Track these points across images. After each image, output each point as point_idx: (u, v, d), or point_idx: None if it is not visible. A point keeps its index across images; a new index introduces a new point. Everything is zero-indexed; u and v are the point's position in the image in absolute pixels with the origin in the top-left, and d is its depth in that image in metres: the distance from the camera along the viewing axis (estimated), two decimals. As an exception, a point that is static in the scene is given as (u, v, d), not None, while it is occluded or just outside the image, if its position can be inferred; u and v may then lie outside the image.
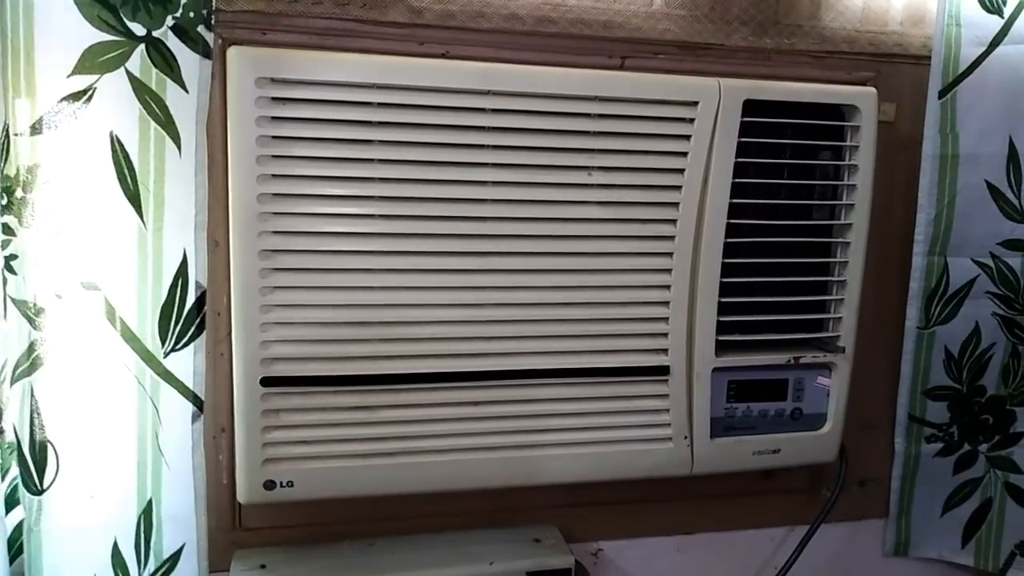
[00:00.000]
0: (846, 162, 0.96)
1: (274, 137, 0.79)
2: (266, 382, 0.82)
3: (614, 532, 1.07)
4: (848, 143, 0.96)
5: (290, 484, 0.85)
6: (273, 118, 0.78)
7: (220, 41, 0.82)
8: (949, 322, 1.08)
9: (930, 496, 1.15)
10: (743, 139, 0.90)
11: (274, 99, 0.78)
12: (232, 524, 0.93)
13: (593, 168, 0.87)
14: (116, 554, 0.85)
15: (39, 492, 0.81)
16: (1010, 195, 1.05)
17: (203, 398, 0.86)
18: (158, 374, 0.83)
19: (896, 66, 1.03)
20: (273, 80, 0.78)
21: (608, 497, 1.03)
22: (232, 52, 0.78)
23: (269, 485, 0.84)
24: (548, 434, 0.90)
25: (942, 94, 1.02)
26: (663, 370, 0.92)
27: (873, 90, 0.95)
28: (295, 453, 0.84)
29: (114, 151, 0.77)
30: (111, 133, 0.77)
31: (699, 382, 0.94)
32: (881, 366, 1.11)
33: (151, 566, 0.87)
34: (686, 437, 0.95)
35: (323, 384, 0.83)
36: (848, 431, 1.02)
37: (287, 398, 0.83)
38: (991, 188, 1.04)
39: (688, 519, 1.10)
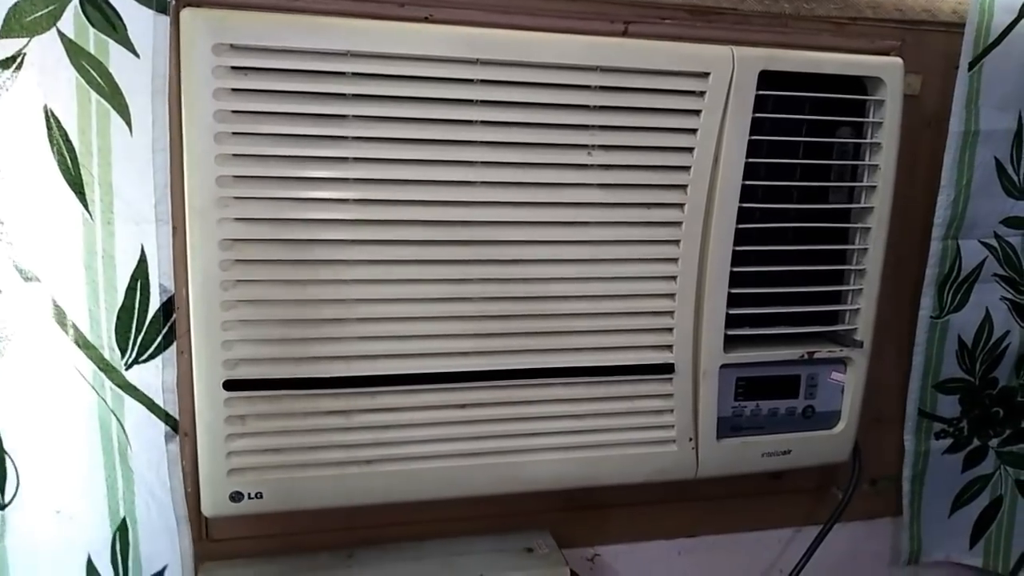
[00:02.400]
0: (868, 140, 0.88)
1: (234, 112, 0.70)
2: (229, 385, 0.74)
3: (611, 536, 1.00)
4: (871, 119, 0.87)
5: (259, 495, 0.77)
6: (233, 90, 0.69)
7: (174, 2, 0.72)
8: (961, 309, 1.02)
9: (939, 496, 1.08)
10: (758, 114, 0.82)
11: (234, 68, 0.69)
12: (198, 535, 0.85)
13: (593, 147, 0.78)
14: (91, 570, 0.78)
15: (1, 507, 0.74)
16: (1011, 171, 0.98)
17: (177, 417, 0.78)
18: (119, 387, 0.75)
19: (923, 34, 0.94)
20: (233, 47, 0.69)
21: (605, 500, 0.96)
22: (186, 14, 0.68)
23: (236, 497, 0.77)
24: (541, 438, 0.83)
25: (971, 65, 0.93)
26: (667, 368, 0.85)
27: (899, 60, 0.87)
28: (263, 462, 0.77)
29: (50, 128, 0.68)
30: (45, 107, 0.67)
31: (706, 380, 0.86)
32: (896, 358, 1.03)
33: None
34: (691, 439, 0.87)
35: (293, 387, 0.75)
36: (860, 427, 0.95)
37: (253, 403, 0.75)
38: (998, 165, 0.97)
39: (690, 521, 1.03)
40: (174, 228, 0.76)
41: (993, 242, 1.00)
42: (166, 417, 0.77)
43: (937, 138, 0.96)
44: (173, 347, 0.76)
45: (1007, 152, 0.97)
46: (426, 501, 0.82)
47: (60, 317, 0.72)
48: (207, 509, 0.77)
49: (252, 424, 0.76)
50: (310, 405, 0.76)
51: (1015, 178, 0.98)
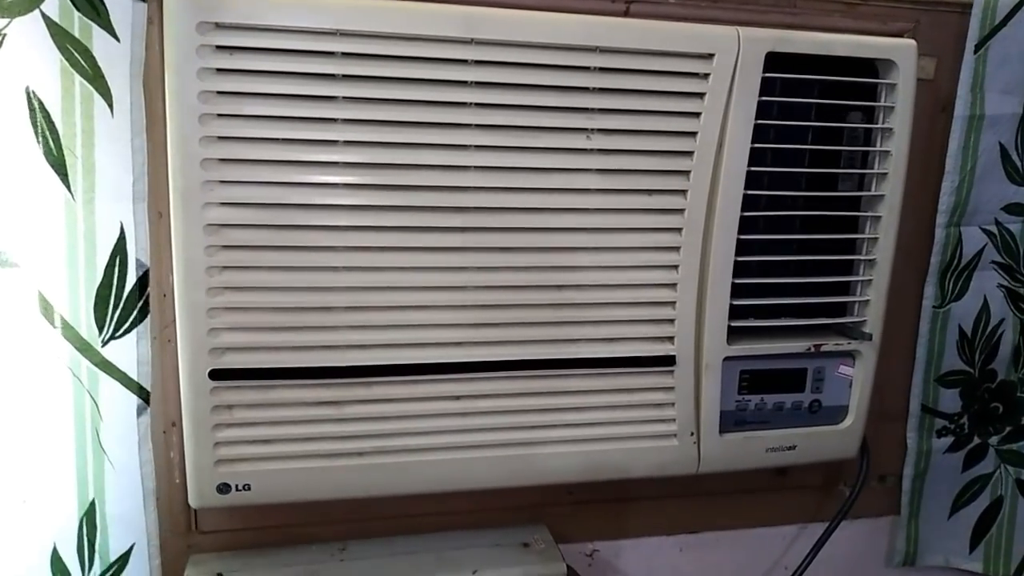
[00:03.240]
0: (879, 125, 0.84)
1: (220, 93, 0.67)
2: (216, 375, 0.72)
3: (611, 531, 0.98)
4: (882, 103, 0.84)
5: (247, 487, 0.75)
6: (218, 70, 0.67)
7: (159, -21, 0.70)
8: (961, 298, 0.99)
9: (939, 497, 1.06)
10: (764, 98, 0.79)
11: (219, 48, 0.67)
12: (187, 527, 0.84)
13: (592, 131, 0.75)
14: (56, 560, 0.77)
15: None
16: (1015, 157, 0.95)
17: (149, 389, 0.77)
18: (96, 365, 0.74)
19: (938, 15, 0.91)
20: (218, 25, 0.66)
21: (605, 494, 0.94)
22: (169, -9, 0.66)
23: (223, 488, 0.75)
24: (538, 431, 0.81)
25: (977, 48, 0.90)
26: (668, 360, 0.82)
27: (912, 43, 0.83)
28: (252, 453, 0.75)
29: (32, 110, 0.67)
30: (27, 88, 0.66)
31: (708, 373, 0.84)
32: (903, 351, 1.00)
33: (96, 570, 0.79)
34: (692, 433, 0.85)
35: (282, 376, 0.73)
36: (868, 422, 0.93)
37: (241, 392, 0.73)
38: (1002, 151, 0.94)
39: (692, 517, 1.01)
40: (160, 213, 0.74)
41: (993, 229, 0.97)
42: (139, 390, 0.76)
43: (951, 123, 0.92)
44: (147, 320, 0.75)
45: (1012, 137, 0.94)
46: (420, 494, 0.80)
47: (42, 300, 0.71)
48: (194, 500, 0.75)
49: (240, 414, 0.74)
50: (300, 395, 0.74)
51: (1018, 164, 0.95)
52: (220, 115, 0.68)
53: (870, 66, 0.84)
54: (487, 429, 0.79)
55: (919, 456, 1.03)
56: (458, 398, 0.78)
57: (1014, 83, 0.92)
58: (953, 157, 0.93)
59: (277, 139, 0.69)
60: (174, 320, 0.73)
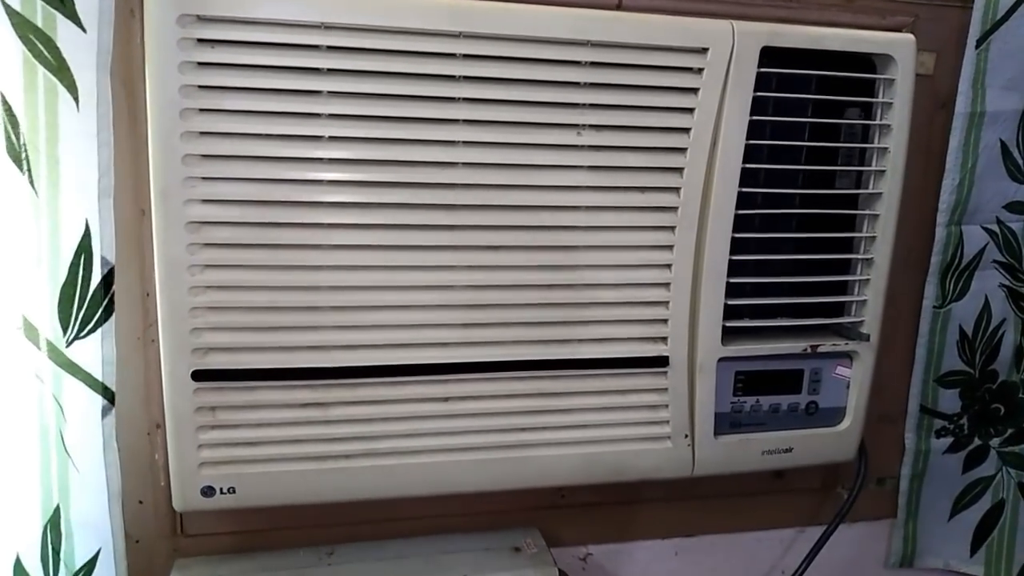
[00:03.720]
0: (877, 121, 0.83)
1: (201, 87, 0.66)
2: (198, 375, 0.70)
3: (605, 535, 0.97)
4: (880, 99, 0.82)
5: (232, 490, 0.74)
6: (200, 64, 0.66)
7: (138, -29, 0.68)
8: (962, 298, 0.97)
9: (938, 498, 1.04)
10: (759, 93, 0.77)
11: (201, 41, 0.65)
12: (172, 530, 0.82)
13: (583, 127, 0.74)
14: (19, 570, 0.75)
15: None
16: (1016, 154, 0.93)
17: (114, 389, 0.75)
18: (60, 366, 0.72)
19: (938, 10, 0.89)
20: (200, 18, 0.65)
21: (598, 497, 0.93)
22: (149, -16, 0.65)
23: (207, 491, 0.73)
24: (528, 433, 0.79)
25: (979, 43, 0.88)
26: (662, 361, 0.80)
27: (911, 37, 0.82)
28: (236, 456, 0.73)
29: (-8, 102, 0.65)
30: (-11, 80, 0.64)
31: (702, 374, 0.82)
32: (905, 352, 0.99)
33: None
34: (687, 436, 0.83)
35: (266, 378, 0.72)
36: (867, 424, 0.91)
37: (224, 393, 0.72)
38: (1003, 148, 0.93)
39: (688, 520, 0.99)
40: (142, 210, 0.73)
41: (995, 227, 0.96)
42: (103, 390, 0.75)
43: (951, 119, 0.91)
44: (112, 319, 0.74)
45: (1013, 134, 0.92)
46: (410, 497, 0.79)
47: (2, 299, 0.70)
48: (178, 504, 0.74)
49: (224, 416, 0.72)
50: (284, 396, 0.73)
51: (1020, 161, 0.93)
52: (202, 110, 0.66)
53: (867, 61, 0.82)
54: (476, 431, 0.78)
55: (917, 456, 1.01)
56: (446, 399, 0.77)
57: (1016, 78, 0.91)
58: (953, 155, 0.92)
59: (261, 135, 0.68)
60: (157, 319, 0.71)
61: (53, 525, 0.75)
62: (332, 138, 0.69)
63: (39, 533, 0.74)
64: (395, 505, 0.83)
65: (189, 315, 0.69)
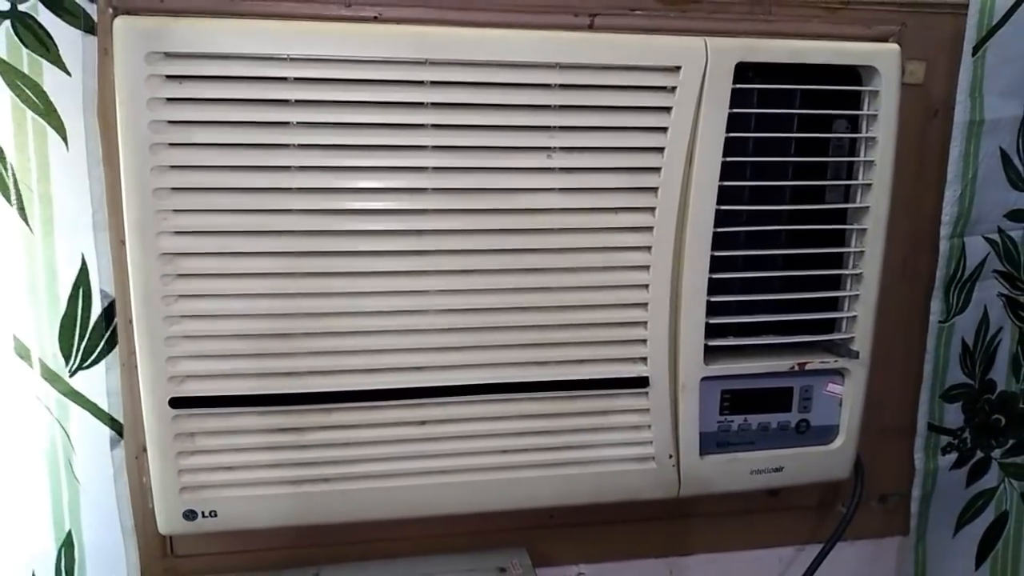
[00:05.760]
0: (863, 134, 0.81)
1: (171, 122, 0.67)
2: (176, 403, 0.72)
3: (597, 554, 0.96)
4: (866, 111, 0.81)
5: (213, 514, 0.75)
6: (169, 100, 0.67)
7: (111, 11, 0.70)
8: (964, 310, 0.95)
9: (945, 515, 1.01)
10: (735, 110, 0.76)
11: (169, 77, 0.67)
12: (162, 552, 0.84)
13: (554, 149, 0.74)
14: None
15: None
16: (1017, 162, 0.91)
17: (121, 421, 0.77)
18: (64, 394, 0.74)
19: (927, 17, 0.87)
20: (167, 55, 0.66)
21: (589, 516, 0.92)
22: (118, 23, 0.66)
23: (189, 515, 0.75)
24: (507, 455, 0.79)
25: (976, 50, 0.86)
26: (642, 382, 0.80)
27: (895, 47, 0.80)
28: (216, 480, 0.75)
29: (-15, 147, 0.67)
30: (-22, 126, 0.67)
31: (685, 394, 0.81)
32: (905, 366, 0.96)
33: None
34: (671, 456, 0.82)
35: (242, 404, 0.73)
36: (866, 440, 0.89)
37: (202, 419, 0.73)
38: (1003, 156, 0.90)
39: (683, 538, 0.98)
40: (122, 241, 0.74)
41: (996, 237, 0.93)
42: (111, 422, 0.76)
43: (945, 129, 0.88)
44: (116, 351, 0.76)
45: (1013, 141, 0.89)
46: (390, 520, 0.79)
47: (3, 330, 0.72)
48: (162, 527, 0.75)
49: (202, 441, 0.74)
50: (261, 422, 0.74)
51: (1021, 169, 0.90)
52: (172, 144, 0.68)
53: (852, 73, 0.80)
54: (454, 455, 0.78)
55: (926, 476, 0.99)
56: (423, 423, 0.77)
57: (1015, 84, 0.88)
58: (954, 165, 0.89)
59: (231, 166, 0.69)
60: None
61: (67, 549, 0.77)
62: (301, 168, 0.70)
63: (54, 555, 0.76)
64: (384, 526, 0.83)
65: (165, 344, 0.71)
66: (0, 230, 0.69)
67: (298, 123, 0.69)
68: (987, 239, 0.93)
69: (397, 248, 0.73)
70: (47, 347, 0.73)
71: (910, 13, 0.86)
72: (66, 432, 0.75)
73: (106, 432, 0.77)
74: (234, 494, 0.75)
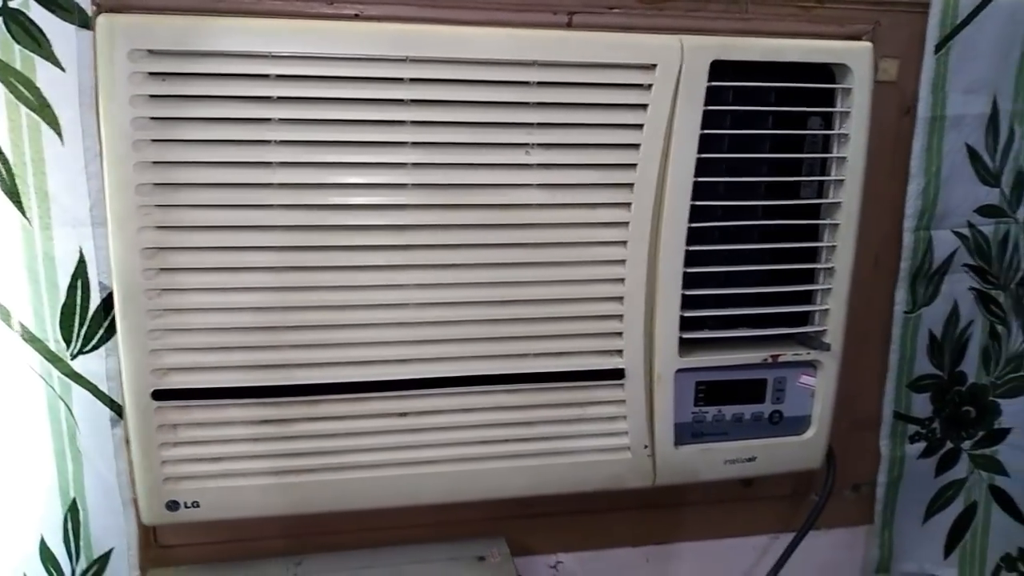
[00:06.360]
0: (836, 131, 0.83)
1: (153, 119, 0.68)
2: (158, 395, 0.73)
3: (575, 543, 0.98)
4: (839, 109, 0.82)
5: (195, 504, 0.76)
6: (151, 96, 0.68)
7: (94, 8, 0.71)
8: (932, 302, 0.97)
9: (913, 503, 1.04)
10: (710, 107, 0.78)
11: (152, 74, 0.67)
12: (146, 541, 0.85)
13: (532, 145, 0.75)
14: (44, 549, 0.80)
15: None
16: (986, 158, 0.93)
17: (121, 403, 0.78)
18: (66, 375, 0.77)
19: (900, 16, 0.88)
20: (151, 52, 0.67)
21: (567, 506, 0.93)
22: (101, 21, 0.67)
23: (172, 505, 0.76)
24: (486, 446, 0.81)
25: (938, 48, 0.88)
26: (617, 374, 0.81)
27: (868, 45, 0.82)
28: (199, 471, 0.76)
29: (-22, 142, 0.68)
30: (-27, 122, 0.68)
31: (660, 385, 0.83)
32: (877, 359, 0.99)
33: (83, 563, 0.82)
34: (646, 446, 0.84)
35: (225, 396, 0.74)
36: (839, 431, 0.91)
37: (185, 412, 0.74)
38: (970, 151, 0.93)
39: (659, 528, 1.00)
40: (108, 235, 0.76)
41: (966, 231, 0.95)
42: (110, 403, 0.78)
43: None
44: (116, 337, 0.76)
45: (980, 138, 0.92)
46: (373, 509, 0.81)
47: (5, 315, 0.74)
48: (145, 517, 0.77)
49: (185, 433, 0.75)
50: (244, 414, 0.75)
51: (990, 164, 0.93)
52: (154, 140, 0.68)
53: (825, 71, 0.82)
54: (434, 445, 0.79)
55: (892, 463, 1.01)
56: (404, 415, 0.78)
57: (980, 82, 0.90)
58: (917, 159, 0.91)
59: (213, 163, 0.70)
60: (120, 340, 0.74)
61: (72, 515, 0.80)
62: (283, 164, 0.71)
63: (60, 520, 0.79)
64: (365, 516, 0.85)
65: (147, 337, 0.71)
66: (1, 224, 0.71)
67: (280, 120, 0.70)
68: (956, 233, 0.95)
69: (379, 242, 0.74)
70: (48, 332, 0.75)
71: (884, 12, 0.88)
72: (70, 409, 0.77)
73: (107, 412, 0.79)
74: (217, 484, 0.76)
